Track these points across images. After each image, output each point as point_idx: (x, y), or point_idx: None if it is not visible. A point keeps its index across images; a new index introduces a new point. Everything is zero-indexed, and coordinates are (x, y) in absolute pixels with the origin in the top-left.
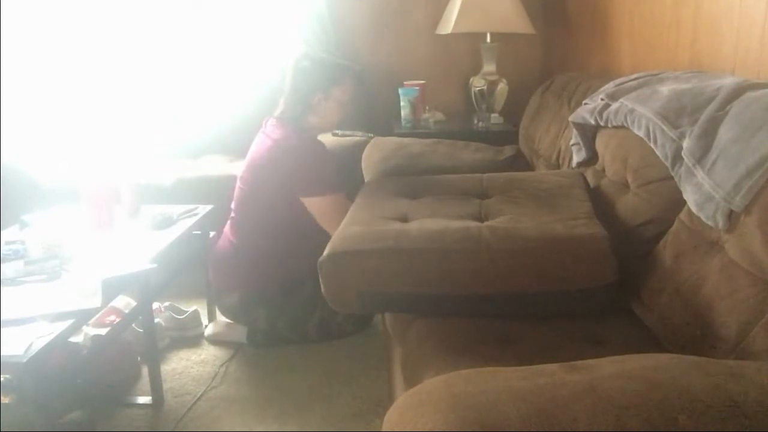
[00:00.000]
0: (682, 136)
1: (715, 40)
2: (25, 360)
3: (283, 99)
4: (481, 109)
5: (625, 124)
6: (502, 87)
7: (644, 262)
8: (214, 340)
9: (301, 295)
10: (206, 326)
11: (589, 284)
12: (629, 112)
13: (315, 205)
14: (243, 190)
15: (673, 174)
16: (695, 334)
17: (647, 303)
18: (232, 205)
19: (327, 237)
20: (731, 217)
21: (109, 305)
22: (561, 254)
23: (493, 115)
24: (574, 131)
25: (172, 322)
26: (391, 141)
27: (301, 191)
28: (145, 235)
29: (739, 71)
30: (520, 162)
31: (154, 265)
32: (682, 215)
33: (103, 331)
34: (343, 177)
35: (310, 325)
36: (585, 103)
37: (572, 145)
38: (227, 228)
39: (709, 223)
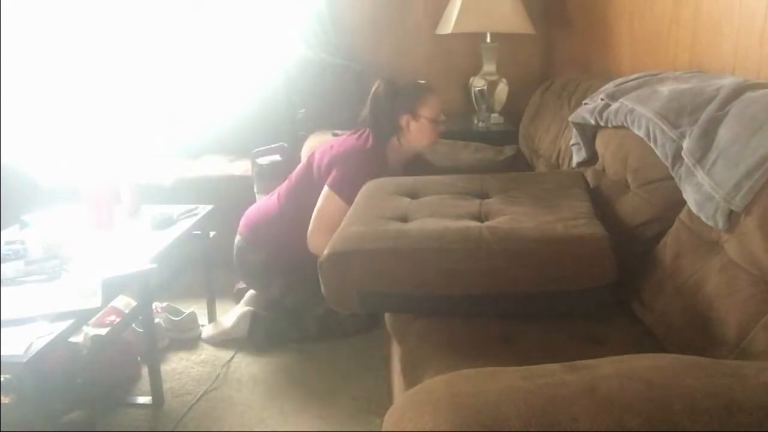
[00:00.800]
0: (682, 136)
1: (715, 40)
2: (25, 360)
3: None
4: (481, 109)
5: (625, 124)
6: (502, 87)
7: (644, 262)
8: (212, 342)
9: (316, 281)
10: (204, 326)
11: (589, 284)
12: (629, 112)
13: (326, 195)
14: (310, 163)
15: (673, 174)
16: (695, 334)
17: (647, 303)
18: (294, 174)
19: None
20: (731, 217)
21: (109, 305)
22: (561, 254)
23: (493, 115)
24: (574, 131)
25: (168, 324)
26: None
27: (332, 180)
28: (145, 235)
29: (739, 71)
30: (520, 162)
31: (154, 265)
32: (682, 215)
33: (103, 331)
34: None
35: (310, 321)
36: (585, 103)
37: (572, 145)
38: (281, 190)
39: (709, 223)
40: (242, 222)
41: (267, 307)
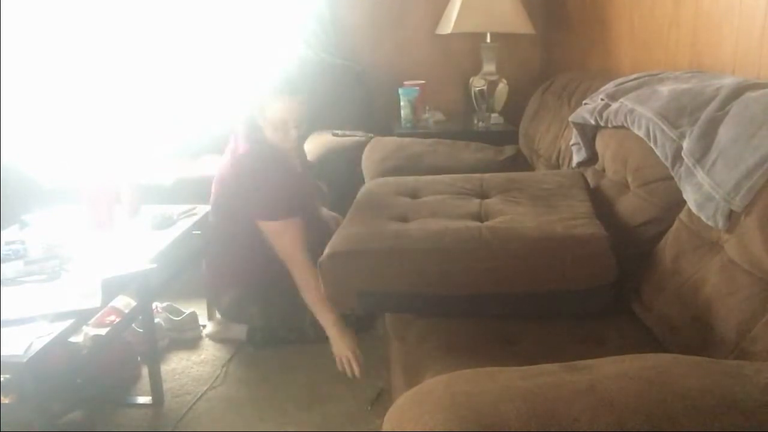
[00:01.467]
0: (682, 136)
1: (715, 40)
2: (25, 360)
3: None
4: (481, 109)
5: (625, 124)
6: (502, 87)
7: (644, 262)
8: (214, 338)
9: (295, 293)
10: (204, 326)
11: (589, 284)
12: (629, 112)
13: (265, 227)
14: (216, 199)
15: (673, 174)
16: (695, 334)
17: (647, 303)
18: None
19: (314, 232)
20: (731, 217)
21: (109, 305)
22: (561, 254)
23: (493, 115)
24: (574, 131)
25: (168, 324)
26: (391, 141)
27: (253, 213)
28: (145, 235)
29: (739, 71)
30: (520, 162)
31: (154, 265)
32: (682, 215)
33: (103, 331)
34: (300, 201)
35: (307, 323)
36: (585, 103)
37: (572, 145)
38: (216, 232)
39: (709, 223)
40: (204, 268)
41: (260, 320)
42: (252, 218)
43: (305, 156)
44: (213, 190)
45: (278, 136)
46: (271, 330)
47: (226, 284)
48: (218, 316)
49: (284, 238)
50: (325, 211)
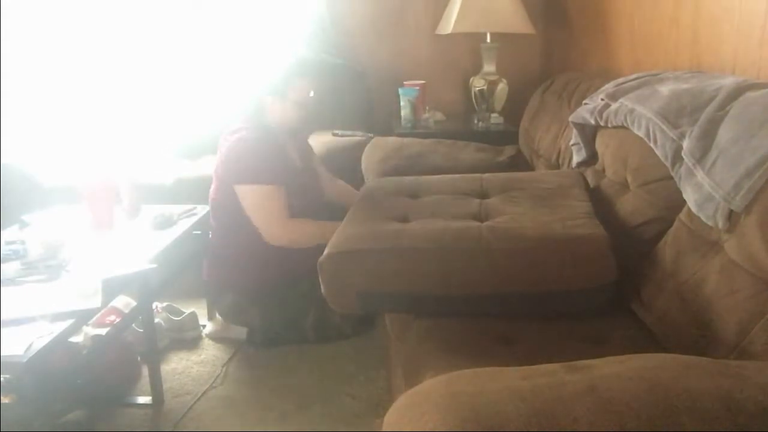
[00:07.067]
0: (682, 136)
1: (715, 40)
2: (25, 360)
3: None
4: (481, 109)
5: (625, 124)
6: (502, 87)
7: (644, 262)
8: (215, 338)
9: (295, 295)
10: (204, 326)
11: (589, 284)
12: (629, 112)
13: (245, 193)
14: (215, 192)
15: (673, 174)
16: (695, 334)
17: (647, 303)
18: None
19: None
20: (731, 217)
21: (109, 305)
22: (561, 254)
23: (493, 115)
24: (574, 131)
25: (168, 324)
26: (391, 141)
27: (234, 178)
28: (145, 235)
29: (739, 71)
30: (520, 162)
31: (154, 265)
32: (682, 215)
33: (103, 331)
34: (293, 176)
35: (307, 325)
36: (585, 103)
37: (572, 145)
38: (220, 226)
39: (709, 223)
40: (204, 270)
41: (260, 322)
42: (231, 184)
43: (311, 149)
44: (211, 187)
45: (300, 113)
46: (272, 331)
47: (227, 286)
48: (218, 316)
49: (263, 203)
50: (340, 184)
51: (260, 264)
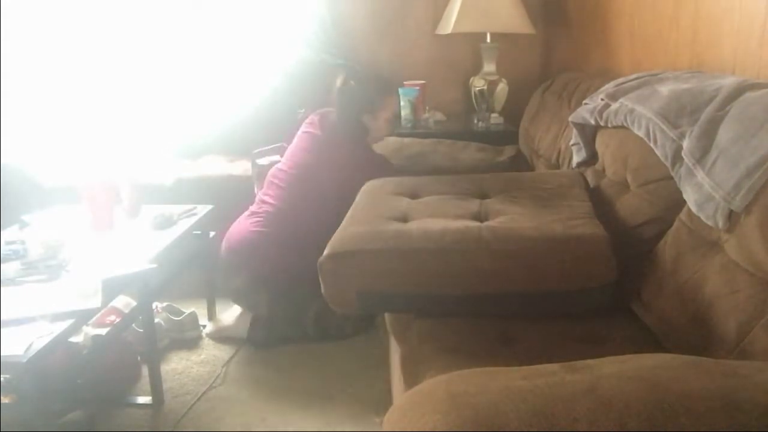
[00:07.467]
0: (682, 136)
1: (715, 40)
2: (25, 360)
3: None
4: (481, 109)
5: (625, 124)
6: (502, 87)
7: (644, 262)
8: (215, 338)
9: (302, 287)
10: (204, 326)
11: (589, 284)
12: (629, 112)
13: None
14: (291, 175)
15: (673, 174)
16: (695, 334)
17: (647, 303)
18: (261, 194)
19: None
20: (731, 217)
21: (109, 305)
22: (560, 254)
23: (493, 115)
24: (574, 131)
25: (168, 324)
26: (391, 141)
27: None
28: (145, 235)
29: (739, 71)
30: (520, 162)
31: (154, 265)
32: (682, 215)
33: (103, 331)
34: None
35: (309, 320)
36: (585, 103)
37: (572, 145)
38: (249, 214)
39: (709, 223)
40: (224, 245)
41: (266, 309)
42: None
43: None
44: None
45: (389, 127)
46: (273, 323)
47: (242, 267)
48: (219, 315)
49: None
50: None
51: (280, 252)
